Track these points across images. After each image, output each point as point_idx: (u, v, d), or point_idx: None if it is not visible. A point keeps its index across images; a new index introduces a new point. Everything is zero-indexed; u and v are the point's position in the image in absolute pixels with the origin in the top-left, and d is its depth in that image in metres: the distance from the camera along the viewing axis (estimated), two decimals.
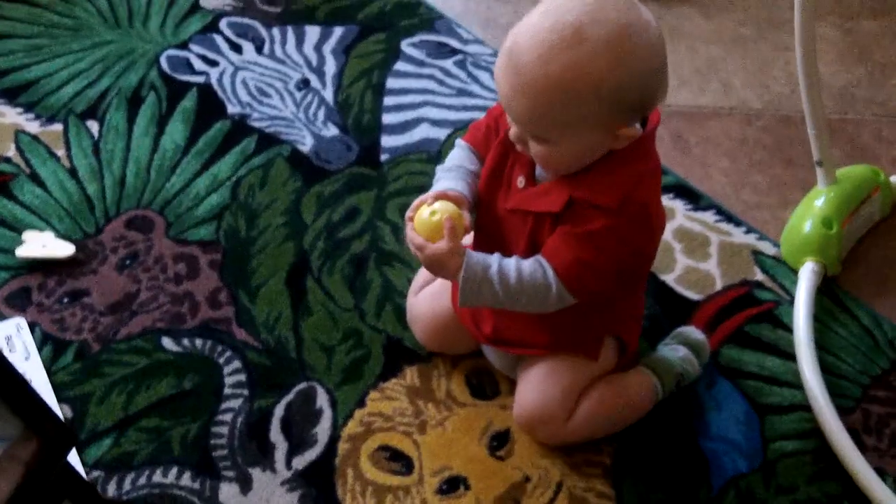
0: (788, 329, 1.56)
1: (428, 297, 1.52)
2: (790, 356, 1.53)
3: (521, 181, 1.30)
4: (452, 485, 1.42)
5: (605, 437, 1.44)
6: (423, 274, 1.55)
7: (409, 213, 1.31)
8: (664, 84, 1.21)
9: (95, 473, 1.42)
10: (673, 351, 1.49)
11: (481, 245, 1.38)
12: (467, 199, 1.33)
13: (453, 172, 1.37)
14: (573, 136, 1.19)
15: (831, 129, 1.74)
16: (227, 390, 1.51)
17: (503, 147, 1.32)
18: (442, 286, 1.50)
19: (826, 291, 1.62)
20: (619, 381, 1.43)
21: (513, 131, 1.24)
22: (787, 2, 2.10)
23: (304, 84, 1.95)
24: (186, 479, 1.42)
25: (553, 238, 1.26)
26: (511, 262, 1.28)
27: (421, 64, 1.99)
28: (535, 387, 1.40)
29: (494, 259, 1.28)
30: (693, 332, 1.52)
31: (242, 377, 1.52)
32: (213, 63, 1.99)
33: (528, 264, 1.27)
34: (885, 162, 1.81)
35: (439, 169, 1.40)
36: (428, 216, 1.29)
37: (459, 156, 1.40)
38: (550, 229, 1.27)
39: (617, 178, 1.22)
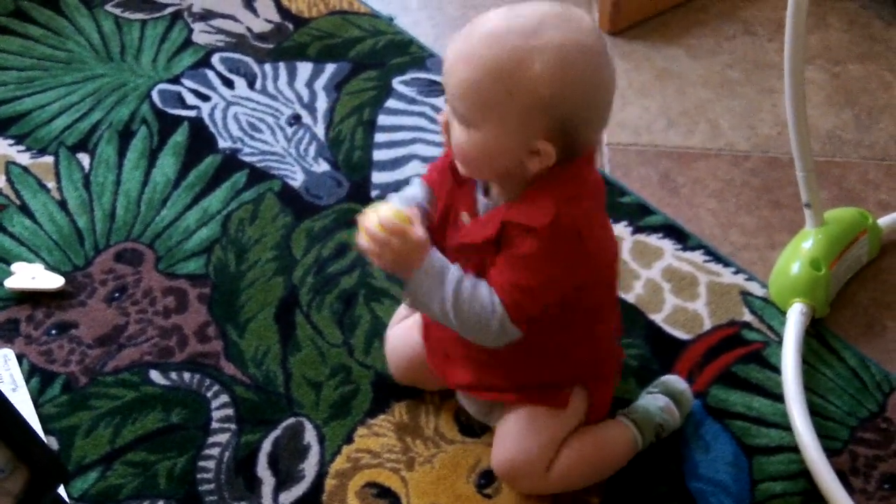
0: (776, 370, 1.57)
1: (403, 330, 1.52)
2: (778, 397, 1.53)
3: (465, 217, 1.30)
4: None
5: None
6: (405, 307, 1.55)
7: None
8: (598, 123, 1.22)
9: None
10: (654, 400, 1.48)
11: None
12: (423, 208, 1.34)
13: (405, 196, 1.38)
14: (492, 128, 1.18)
15: (818, 172, 1.76)
16: (214, 425, 1.51)
17: (451, 187, 1.33)
18: (417, 319, 1.50)
19: (814, 333, 1.62)
20: (598, 433, 1.43)
21: (443, 114, 1.24)
22: (775, 45, 2.13)
23: (296, 120, 1.96)
24: None
25: (493, 267, 1.25)
26: (467, 275, 1.26)
27: (412, 101, 2.00)
28: (513, 439, 1.39)
29: (454, 265, 1.27)
30: (676, 381, 1.51)
31: (230, 412, 1.52)
32: (205, 98, 2.00)
33: (482, 283, 1.25)
34: (871, 204, 1.83)
35: (391, 196, 1.40)
36: (391, 213, 1.24)
37: (413, 191, 1.40)
38: (494, 255, 1.26)
39: (547, 201, 1.21)
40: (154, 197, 1.81)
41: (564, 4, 1.19)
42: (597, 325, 1.40)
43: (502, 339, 1.27)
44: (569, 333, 1.34)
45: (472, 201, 1.30)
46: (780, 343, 1.59)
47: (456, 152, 1.24)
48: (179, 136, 1.92)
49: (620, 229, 1.75)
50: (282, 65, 2.07)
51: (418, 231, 1.24)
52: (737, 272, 1.71)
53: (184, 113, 1.97)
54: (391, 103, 2.00)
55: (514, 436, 1.39)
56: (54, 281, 1.66)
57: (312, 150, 1.90)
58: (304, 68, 2.06)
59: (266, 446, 1.48)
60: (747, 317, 1.65)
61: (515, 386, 1.39)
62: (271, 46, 2.11)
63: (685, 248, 1.75)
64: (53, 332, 1.62)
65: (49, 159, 1.87)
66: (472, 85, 1.17)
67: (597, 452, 1.42)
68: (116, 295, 1.66)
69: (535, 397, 1.39)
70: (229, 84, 2.03)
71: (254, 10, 2.19)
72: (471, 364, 1.39)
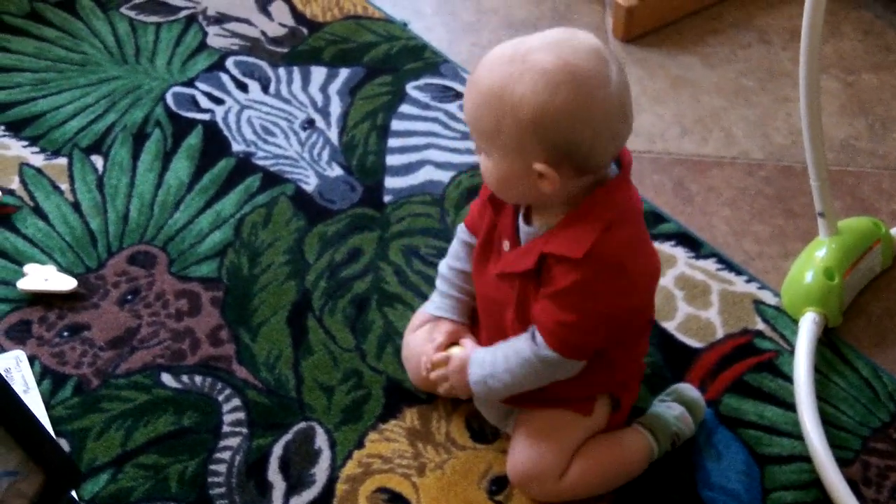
0: (789, 379, 1.56)
1: (422, 337, 1.51)
2: (790, 406, 1.53)
3: (506, 245, 1.31)
4: None
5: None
6: (421, 313, 1.55)
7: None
8: (606, 142, 1.19)
9: None
10: (668, 409, 1.48)
11: (481, 314, 1.43)
12: (465, 326, 1.47)
13: (447, 288, 1.47)
14: (496, 153, 1.21)
15: (832, 181, 1.75)
16: (225, 428, 1.51)
17: (491, 217, 1.34)
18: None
19: (827, 342, 1.62)
20: (614, 440, 1.43)
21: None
22: (789, 54, 2.13)
23: (310, 124, 1.96)
24: None
25: (536, 304, 1.27)
26: (505, 345, 1.32)
27: (426, 107, 2.00)
28: (528, 444, 1.39)
29: (494, 349, 1.34)
30: (689, 389, 1.51)
31: (242, 415, 1.52)
32: (219, 101, 2.00)
33: (521, 340, 1.30)
34: (885, 214, 1.82)
35: (441, 269, 1.48)
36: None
37: (456, 252, 1.46)
38: (535, 290, 1.27)
39: (583, 230, 1.21)
40: (167, 200, 1.81)
41: (574, 29, 1.20)
42: (635, 344, 1.40)
43: (569, 372, 1.32)
44: (607, 354, 1.34)
45: (514, 229, 1.31)
46: (792, 352, 1.59)
47: (483, 179, 1.27)
48: (193, 139, 1.92)
49: None
50: (296, 69, 2.07)
51: (458, 353, 1.39)
52: (750, 281, 1.71)
53: (198, 116, 1.97)
54: (405, 108, 2.00)
55: (530, 441, 1.39)
56: (67, 283, 1.66)
57: (326, 154, 1.90)
58: (318, 73, 2.07)
59: (277, 450, 1.48)
60: (760, 325, 1.65)
61: (546, 398, 1.39)
62: (286, 50, 2.12)
63: (698, 257, 1.74)
64: (66, 333, 1.62)
65: (63, 161, 1.88)
66: (473, 110, 1.21)
67: (612, 460, 1.41)
68: (129, 297, 1.67)
69: (561, 404, 1.39)
70: (243, 88, 2.03)
71: (268, 14, 2.20)
72: None
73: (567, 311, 1.24)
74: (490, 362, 1.33)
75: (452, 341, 1.44)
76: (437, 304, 1.48)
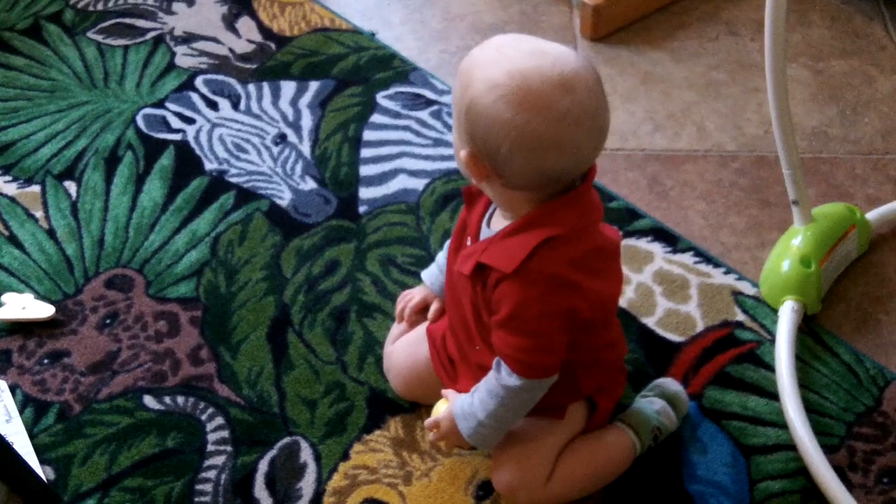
0: (771, 369, 1.56)
1: (404, 346, 1.52)
2: (773, 396, 1.53)
3: (468, 241, 1.31)
4: None
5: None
6: (399, 325, 1.55)
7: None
8: (516, 167, 1.15)
9: None
10: (650, 404, 1.48)
11: (447, 302, 1.42)
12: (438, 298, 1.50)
13: (441, 259, 1.48)
14: (454, 120, 1.22)
15: (805, 169, 1.76)
16: (210, 447, 1.50)
17: (463, 212, 1.35)
18: (418, 335, 1.50)
19: (807, 330, 1.62)
20: (596, 440, 1.43)
21: None
22: (757, 45, 2.13)
23: (281, 139, 1.96)
24: None
25: (494, 334, 1.26)
26: (479, 389, 1.32)
27: (397, 115, 2.00)
28: (509, 455, 1.39)
29: (471, 395, 1.33)
30: (671, 384, 1.51)
31: (226, 433, 1.51)
32: (190, 120, 2.00)
33: (490, 379, 1.30)
34: (859, 199, 1.83)
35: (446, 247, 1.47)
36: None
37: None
38: (482, 293, 1.26)
39: (519, 243, 1.20)
40: (142, 222, 1.81)
41: (575, 54, 1.16)
42: (602, 353, 1.39)
43: (546, 388, 1.30)
44: (573, 363, 1.33)
45: (478, 227, 1.30)
46: (773, 342, 1.59)
47: None
48: (165, 159, 1.92)
49: None
50: (265, 84, 2.07)
51: (444, 412, 1.36)
52: (728, 272, 1.71)
53: (169, 136, 1.96)
54: (376, 118, 2.00)
55: (511, 452, 1.38)
56: (45, 310, 1.65)
57: (299, 168, 1.90)
58: (288, 87, 2.06)
59: (263, 467, 1.48)
60: (740, 317, 1.65)
61: None
62: (254, 66, 2.12)
63: (675, 251, 1.75)
64: (46, 361, 1.61)
65: (36, 188, 1.87)
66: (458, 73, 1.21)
67: (596, 460, 1.41)
68: (108, 321, 1.66)
69: (535, 412, 1.38)
70: (213, 106, 2.03)
71: (236, 32, 2.19)
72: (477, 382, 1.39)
73: (521, 336, 1.23)
74: (471, 413, 1.32)
75: (425, 304, 1.52)
76: (428, 270, 1.52)
